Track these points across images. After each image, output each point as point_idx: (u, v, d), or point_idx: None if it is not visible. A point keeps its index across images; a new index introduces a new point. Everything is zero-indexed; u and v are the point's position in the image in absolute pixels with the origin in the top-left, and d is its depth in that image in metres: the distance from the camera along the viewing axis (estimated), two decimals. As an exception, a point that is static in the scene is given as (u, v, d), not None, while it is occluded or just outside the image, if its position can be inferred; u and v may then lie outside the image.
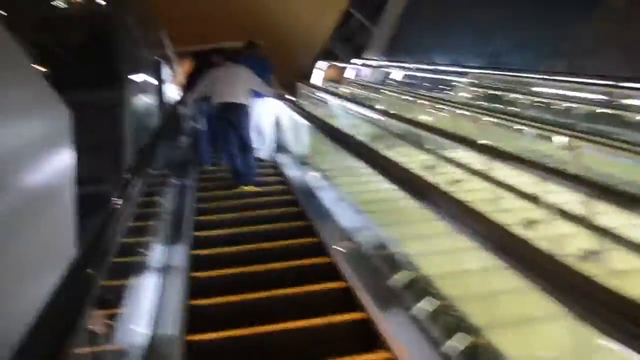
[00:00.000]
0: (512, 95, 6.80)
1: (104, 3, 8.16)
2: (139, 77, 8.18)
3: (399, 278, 2.58)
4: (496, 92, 7.09)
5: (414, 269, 2.64)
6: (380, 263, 2.85)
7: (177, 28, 21.66)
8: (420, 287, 2.48)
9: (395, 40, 12.16)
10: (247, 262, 3.19)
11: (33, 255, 1.55)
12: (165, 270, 2.93)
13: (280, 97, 6.08)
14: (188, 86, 6.58)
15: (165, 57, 11.74)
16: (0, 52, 1.61)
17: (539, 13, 8.09)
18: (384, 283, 2.63)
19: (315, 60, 19.97)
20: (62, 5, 8.38)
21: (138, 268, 2.55)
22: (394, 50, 12.30)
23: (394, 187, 2.49)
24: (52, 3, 8.36)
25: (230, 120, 5.31)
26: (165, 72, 10.39)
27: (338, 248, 3.16)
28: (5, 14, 6.03)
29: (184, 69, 6.59)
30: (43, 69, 7.63)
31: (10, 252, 1.35)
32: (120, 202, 2.19)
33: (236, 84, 5.34)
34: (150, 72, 9.85)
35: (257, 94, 5.81)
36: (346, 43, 18.07)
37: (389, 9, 12.43)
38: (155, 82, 9.36)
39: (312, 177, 5.13)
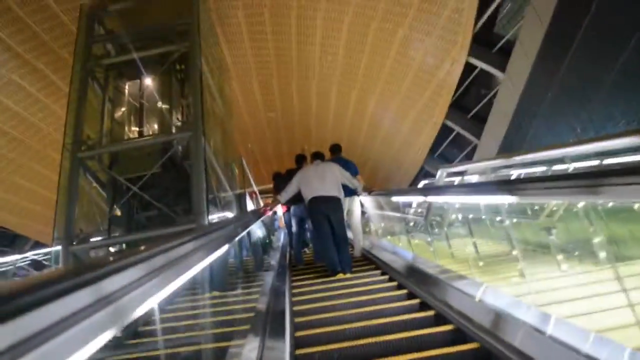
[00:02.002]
0: None
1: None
2: (217, 208, 8.22)
3: None
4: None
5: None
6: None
7: (270, 164, 23.05)
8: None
9: (506, 149, 11.06)
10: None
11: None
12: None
13: (369, 192, 6.36)
14: (279, 188, 7.06)
15: (248, 188, 11.88)
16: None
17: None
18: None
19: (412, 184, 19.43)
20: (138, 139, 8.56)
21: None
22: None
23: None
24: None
25: (325, 214, 5.64)
26: (247, 201, 10.40)
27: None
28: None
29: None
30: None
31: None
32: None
33: (327, 179, 5.79)
34: (231, 202, 9.84)
35: (347, 192, 6.21)
36: (444, 160, 17.38)
37: (494, 116, 11.62)
38: (238, 209, 9.68)
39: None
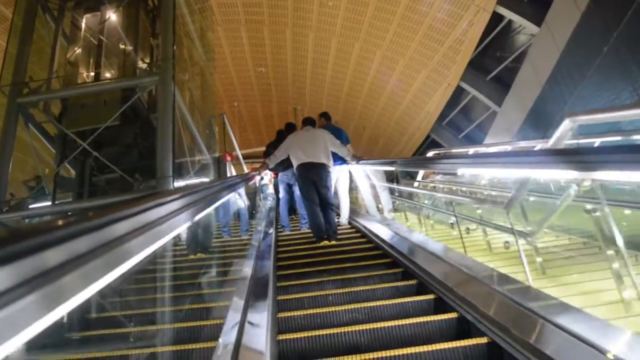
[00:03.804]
0: None
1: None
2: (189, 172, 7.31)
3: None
4: None
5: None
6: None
7: (258, 125, 21.85)
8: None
9: (535, 118, 9.98)
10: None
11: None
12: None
13: (358, 160, 6.53)
14: (269, 152, 7.26)
15: (230, 151, 10.88)
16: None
17: None
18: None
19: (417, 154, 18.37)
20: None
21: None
22: (534, 129, 10.06)
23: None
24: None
25: (313, 180, 5.90)
26: (227, 166, 9.34)
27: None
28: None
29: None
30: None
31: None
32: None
33: (317, 145, 6.04)
34: (208, 166, 8.83)
35: (336, 160, 6.41)
36: (454, 129, 16.30)
37: (523, 79, 10.45)
38: (216, 175, 9.10)
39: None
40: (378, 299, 3.09)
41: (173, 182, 5.99)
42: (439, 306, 2.86)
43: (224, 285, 3.94)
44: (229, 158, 9.18)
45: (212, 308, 3.32)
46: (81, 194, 7.49)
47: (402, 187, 7.39)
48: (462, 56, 12.53)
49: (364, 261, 4.31)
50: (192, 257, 5.69)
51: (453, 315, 2.55)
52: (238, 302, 2.81)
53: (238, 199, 7.64)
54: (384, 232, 5.23)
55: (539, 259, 3.52)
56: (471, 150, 10.20)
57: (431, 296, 2.95)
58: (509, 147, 8.49)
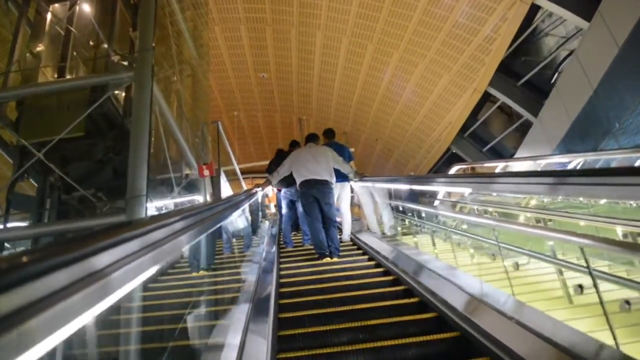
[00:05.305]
0: None
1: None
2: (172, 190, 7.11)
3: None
4: None
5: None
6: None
7: (259, 137, 20.93)
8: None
9: (583, 127, 8.89)
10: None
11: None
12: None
13: (360, 177, 6.78)
14: (272, 169, 7.50)
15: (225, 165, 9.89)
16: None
17: None
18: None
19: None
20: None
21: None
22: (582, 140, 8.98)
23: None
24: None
25: (315, 196, 6.17)
26: (223, 182, 8.38)
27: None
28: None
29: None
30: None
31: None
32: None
33: (319, 162, 6.31)
34: (198, 183, 7.83)
35: (338, 177, 6.71)
36: (478, 141, 15.22)
37: (567, 82, 9.36)
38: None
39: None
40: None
41: (146, 202, 4.88)
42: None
43: (226, 302, 3.92)
44: (206, 172, 7.88)
45: (214, 324, 3.38)
46: (41, 215, 6.51)
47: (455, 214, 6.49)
48: (492, 57, 11.47)
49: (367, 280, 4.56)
50: (194, 274, 5.63)
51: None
52: (239, 322, 2.96)
53: (240, 217, 6.86)
54: (386, 250, 5.48)
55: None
56: (501, 166, 9.19)
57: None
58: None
